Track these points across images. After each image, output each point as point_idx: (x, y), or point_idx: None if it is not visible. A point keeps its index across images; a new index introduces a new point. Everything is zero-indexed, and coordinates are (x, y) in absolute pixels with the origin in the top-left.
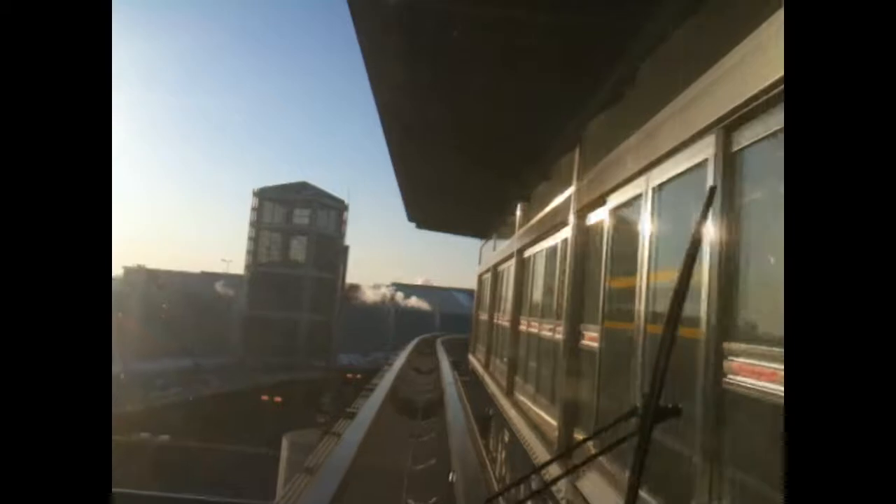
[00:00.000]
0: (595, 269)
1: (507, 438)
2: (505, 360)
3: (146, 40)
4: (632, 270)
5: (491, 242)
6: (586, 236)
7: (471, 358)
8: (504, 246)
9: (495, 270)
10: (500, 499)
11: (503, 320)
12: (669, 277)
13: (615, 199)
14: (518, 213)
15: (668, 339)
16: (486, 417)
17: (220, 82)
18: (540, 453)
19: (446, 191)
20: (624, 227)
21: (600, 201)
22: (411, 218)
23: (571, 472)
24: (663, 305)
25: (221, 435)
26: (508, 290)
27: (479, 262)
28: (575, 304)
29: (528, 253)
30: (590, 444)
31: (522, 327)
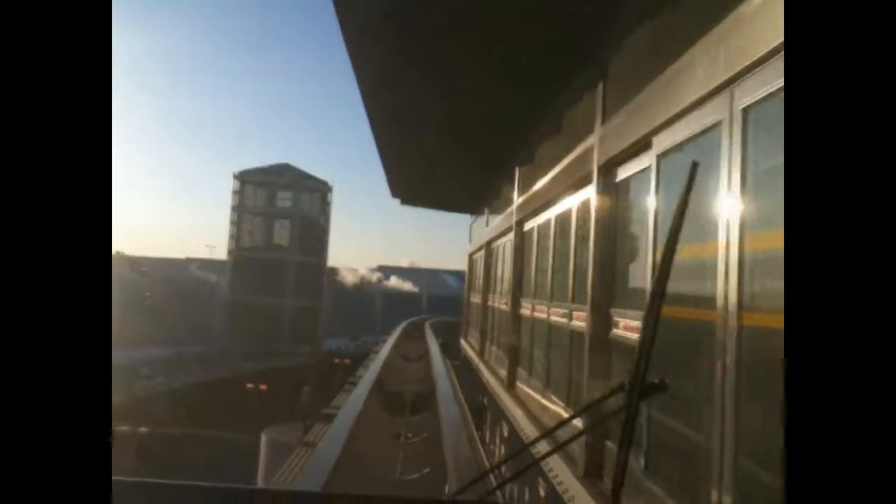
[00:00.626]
0: (634, 238)
1: (506, 433)
2: (504, 348)
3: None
4: (700, 237)
5: (482, 218)
6: (616, 196)
7: (463, 343)
8: (499, 220)
9: (489, 248)
10: (490, 476)
11: (500, 303)
12: (768, 244)
13: (668, 138)
14: (516, 178)
15: (652, 314)
16: (481, 408)
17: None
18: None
19: (433, 160)
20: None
21: (642, 145)
22: (395, 193)
23: (560, 448)
24: (763, 284)
25: (206, 423)
26: (506, 269)
27: (470, 241)
28: (604, 286)
29: (530, 224)
30: (578, 420)
31: (525, 311)
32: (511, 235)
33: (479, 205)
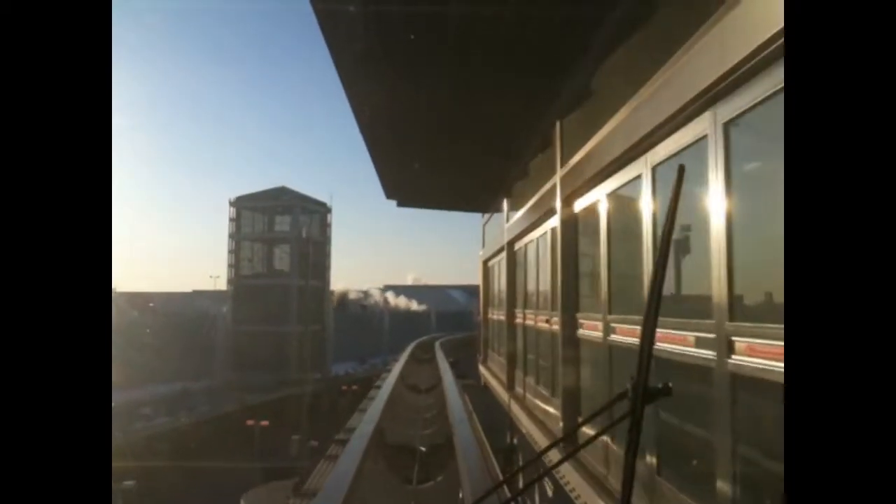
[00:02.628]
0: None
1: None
2: (548, 385)
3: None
4: None
5: (499, 216)
6: None
7: (482, 371)
8: (530, 206)
9: (512, 250)
10: (505, 488)
11: (539, 321)
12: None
13: None
14: (558, 134)
15: (650, 320)
16: (510, 449)
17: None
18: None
19: (432, 153)
20: None
21: None
22: (391, 195)
23: (570, 456)
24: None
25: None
26: (545, 273)
27: (483, 245)
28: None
29: (586, 201)
30: (585, 429)
31: (587, 333)
32: (553, 222)
33: (494, 199)
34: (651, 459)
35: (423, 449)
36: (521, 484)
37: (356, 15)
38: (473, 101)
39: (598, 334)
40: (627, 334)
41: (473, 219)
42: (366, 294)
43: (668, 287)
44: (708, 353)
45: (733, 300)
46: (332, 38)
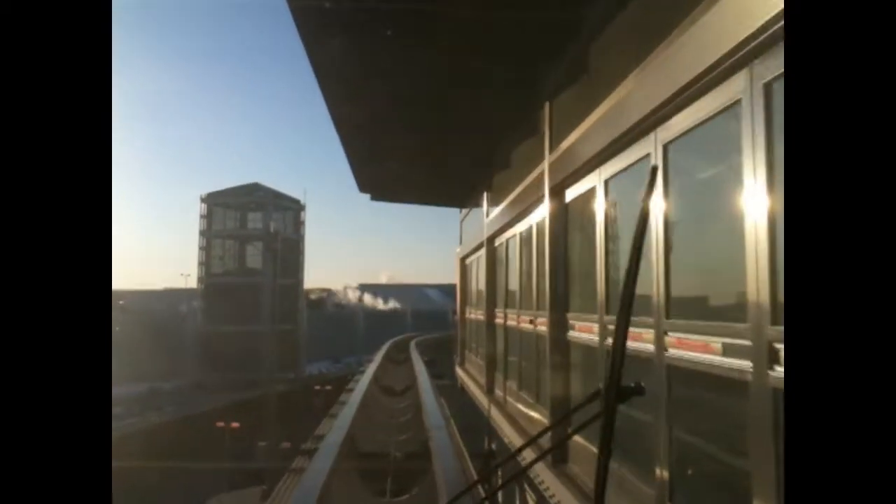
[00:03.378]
0: None
1: None
2: (535, 394)
3: None
4: None
5: (478, 211)
6: None
7: (459, 373)
8: (513, 199)
9: (491, 246)
10: (479, 487)
11: (522, 322)
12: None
13: None
14: (546, 117)
15: (623, 319)
16: (488, 454)
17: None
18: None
19: (407, 145)
20: None
21: None
22: (364, 188)
23: (544, 455)
24: None
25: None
26: (529, 270)
27: (461, 242)
28: None
29: (577, 190)
30: (558, 429)
31: (582, 336)
32: (540, 214)
33: (472, 192)
34: (626, 459)
35: (397, 456)
36: (496, 484)
37: (331, 10)
38: (453, 87)
39: (593, 337)
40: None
41: (450, 216)
42: (340, 293)
43: (690, 288)
44: (745, 364)
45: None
46: (307, 33)
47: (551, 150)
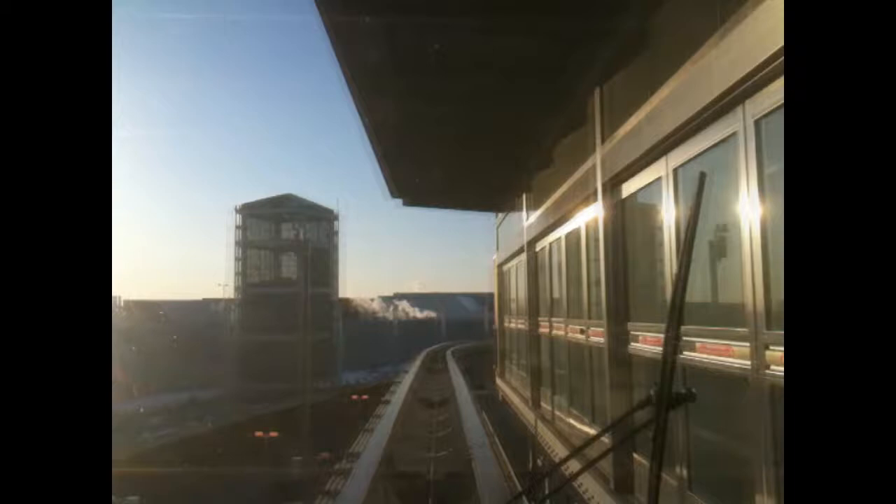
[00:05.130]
0: None
1: None
2: (591, 413)
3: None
4: None
5: (515, 215)
6: None
7: (500, 384)
8: (556, 200)
9: (532, 251)
10: (524, 498)
11: (572, 332)
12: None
13: None
14: (597, 104)
15: (673, 327)
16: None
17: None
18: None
19: (440, 148)
20: None
21: None
22: (395, 194)
23: (591, 465)
24: None
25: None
26: (578, 275)
27: (497, 248)
28: None
29: (638, 182)
30: (606, 437)
31: (650, 349)
32: (592, 212)
33: (509, 196)
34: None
35: (437, 478)
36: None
37: (370, 26)
38: (489, 80)
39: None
40: (713, 352)
41: (483, 221)
42: (375, 301)
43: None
44: None
45: None
46: (343, 49)
47: (604, 140)
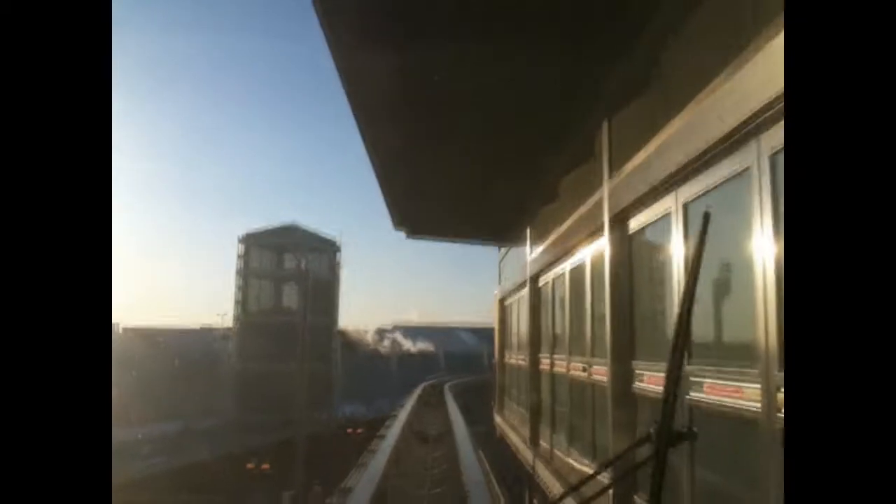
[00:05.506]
0: None
1: None
2: (591, 453)
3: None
4: None
5: (519, 249)
6: None
7: (498, 421)
8: (561, 234)
9: (535, 286)
10: None
11: (574, 370)
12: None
13: None
14: (605, 137)
15: (675, 364)
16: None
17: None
18: None
19: (445, 179)
20: None
21: None
22: (399, 225)
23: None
24: None
25: None
26: (581, 311)
27: (499, 282)
28: None
29: (645, 218)
30: (605, 474)
31: (655, 388)
32: (597, 247)
33: (513, 230)
34: None
35: None
36: None
37: (377, 61)
38: (495, 110)
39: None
40: (722, 393)
41: (484, 255)
42: (374, 333)
43: None
44: None
45: None
46: (349, 82)
47: (611, 173)
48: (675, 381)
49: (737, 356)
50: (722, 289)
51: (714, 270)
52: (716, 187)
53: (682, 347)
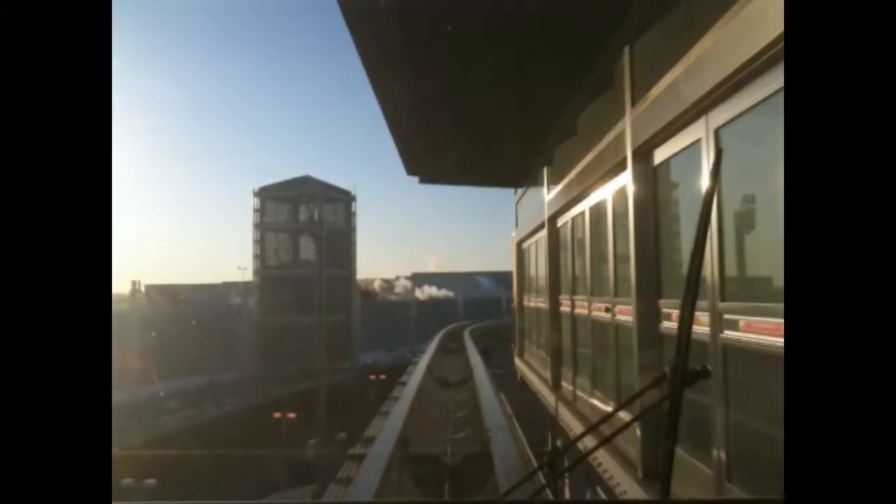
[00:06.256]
0: None
1: None
2: (615, 395)
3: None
4: None
5: (536, 190)
6: None
7: (519, 364)
8: (581, 171)
9: (554, 227)
10: (540, 474)
11: (596, 310)
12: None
13: None
14: (626, 65)
15: (688, 302)
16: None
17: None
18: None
19: (459, 116)
20: None
21: None
22: (412, 171)
23: (607, 441)
24: None
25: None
26: (604, 251)
27: (516, 225)
28: None
29: (671, 148)
30: (622, 413)
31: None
32: (620, 182)
33: (529, 169)
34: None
35: (454, 461)
36: (557, 472)
37: (384, 10)
38: (509, 47)
39: (701, 329)
40: (757, 331)
41: (502, 198)
42: (393, 282)
43: None
44: None
45: None
46: (356, 25)
47: (634, 103)
48: (690, 319)
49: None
50: (763, 220)
51: (758, 199)
52: (752, 108)
53: (695, 285)
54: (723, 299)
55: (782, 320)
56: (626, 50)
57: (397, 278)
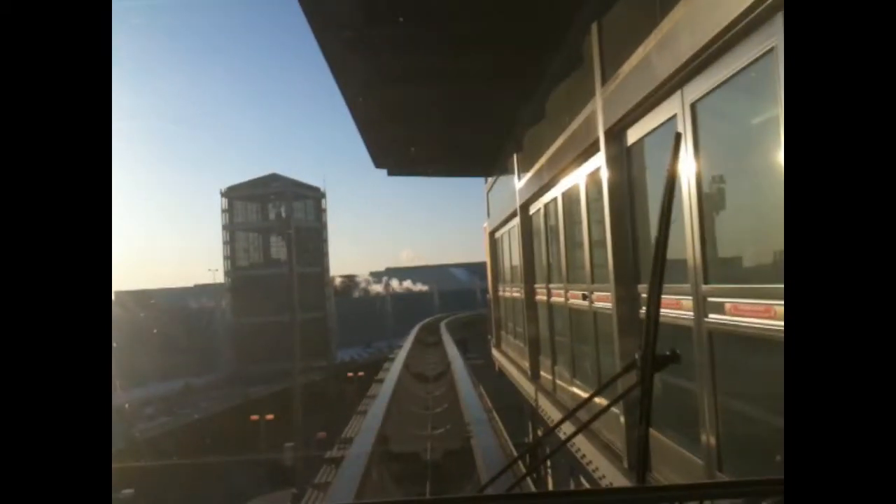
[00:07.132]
0: None
1: None
2: (596, 383)
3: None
4: None
5: (507, 178)
6: None
7: (496, 355)
8: (551, 156)
9: (526, 215)
10: (520, 463)
11: (573, 297)
12: None
13: None
14: (594, 42)
15: (655, 288)
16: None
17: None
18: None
19: (423, 112)
20: None
21: None
22: (380, 164)
23: (582, 429)
24: None
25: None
26: (578, 237)
27: (488, 215)
28: None
29: (646, 126)
30: (596, 400)
31: (666, 312)
32: (594, 164)
33: (499, 157)
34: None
35: (434, 458)
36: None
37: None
38: (473, 27)
39: (685, 314)
40: (744, 314)
41: (472, 189)
42: (366, 277)
43: None
44: None
45: None
46: (318, 25)
47: (604, 81)
48: (657, 304)
49: (765, 273)
50: (746, 197)
51: (742, 174)
52: (729, 80)
53: (661, 271)
54: (706, 281)
55: (767, 301)
56: (594, 26)
57: (371, 274)
